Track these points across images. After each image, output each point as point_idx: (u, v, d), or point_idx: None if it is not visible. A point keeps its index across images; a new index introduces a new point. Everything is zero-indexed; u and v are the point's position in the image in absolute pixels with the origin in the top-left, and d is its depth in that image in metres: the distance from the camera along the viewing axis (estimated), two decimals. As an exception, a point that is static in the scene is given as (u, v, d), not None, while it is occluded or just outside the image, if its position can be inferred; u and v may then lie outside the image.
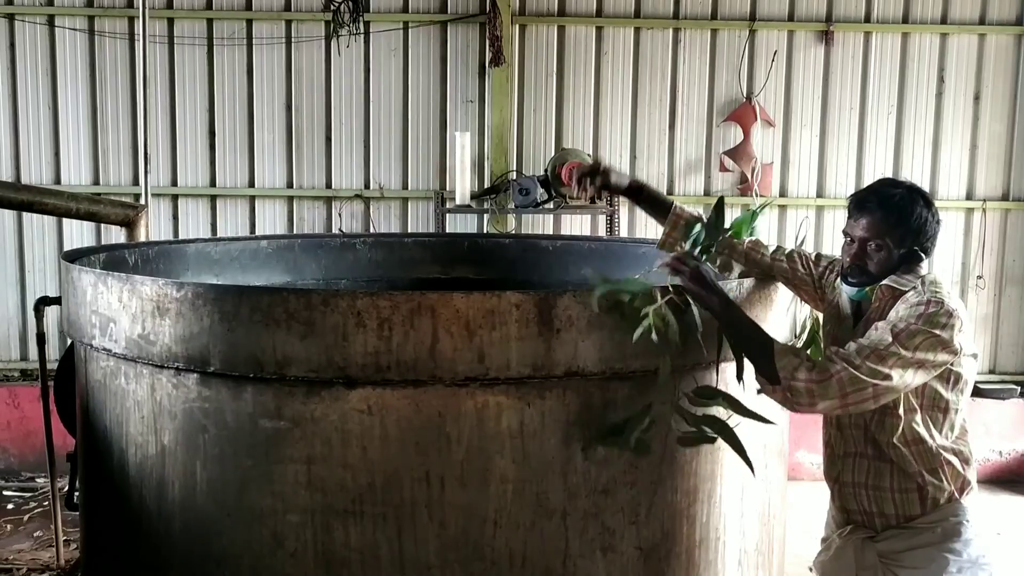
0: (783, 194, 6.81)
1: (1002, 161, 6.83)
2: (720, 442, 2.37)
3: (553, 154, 6.46)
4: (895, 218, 2.47)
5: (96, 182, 6.62)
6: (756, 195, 6.68)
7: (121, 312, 2.48)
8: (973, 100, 6.79)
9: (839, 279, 2.63)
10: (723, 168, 6.77)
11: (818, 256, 2.87)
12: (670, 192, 6.79)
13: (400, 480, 2.31)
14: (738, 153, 6.72)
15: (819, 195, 6.83)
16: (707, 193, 6.80)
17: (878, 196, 2.51)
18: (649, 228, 6.79)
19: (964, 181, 6.80)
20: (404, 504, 2.32)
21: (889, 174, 6.82)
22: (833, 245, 6.84)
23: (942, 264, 6.76)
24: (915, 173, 6.82)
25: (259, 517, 2.38)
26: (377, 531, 2.33)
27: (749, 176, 6.70)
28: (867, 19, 6.72)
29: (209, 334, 2.32)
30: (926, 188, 6.70)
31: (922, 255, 2.51)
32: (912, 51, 6.75)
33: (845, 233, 2.58)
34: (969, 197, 6.79)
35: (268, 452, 2.35)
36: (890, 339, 2.31)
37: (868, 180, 6.80)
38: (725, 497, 2.64)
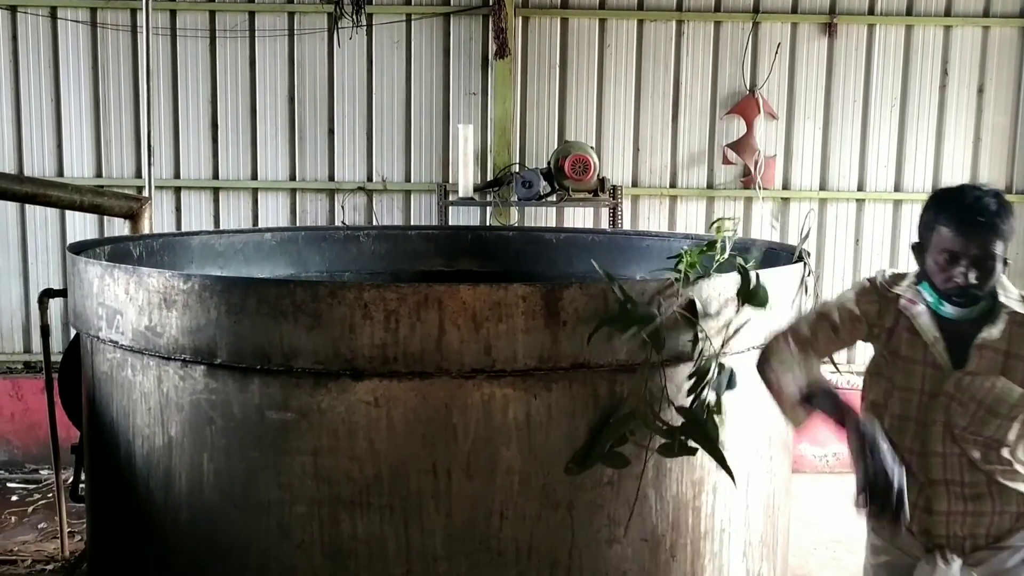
0: (786, 187, 6.81)
1: (1005, 154, 6.82)
2: (728, 436, 2.37)
3: (556, 147, 6.46)
4: (1006, 230, 2.32)
5: (99, 174, 6.62)
6: (759, 188, 6.68)
7: (128, 304, 2.48)
8: (977, 92, 6.78)
9: (918, 305, 2.43)
10: (726, 161, 6.76)
11: (861, 296, 2.55)
12: (673, 185, 6.79)
13: (407, 471, 2.32)
14: (741, 146, 6.71)
15: (822, 188, 6.82)
16: (710, 186, 6.80)
17: (986, 209, 2.31)
18: (652, 221, 6.80)
19: (967, 174, 6.79)
20: (411, 495, 2.32)
21: (892, 167, 6.83)
22: (835, 238, 6.84)
23: (945, 257, 6.75)
24: (918, 166, 6.82)
25: (266, 508, 2.38)
26: (384, 522, 2.34)
27: (752, 169, 6.70)
28: (871, 11, 6.71)
29: (216, 326, 2.33)
30: (929, 181, 6.81)
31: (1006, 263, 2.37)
32: (916, 43, 6.74)
33: (948, 251, 2.31)
34: (972, 190, 6.78)
35: (275, 444, 2.35)
36: None
37: (872, 173, 6.82)
38: (730, 489, 2.64)
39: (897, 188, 6.81)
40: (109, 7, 6.55)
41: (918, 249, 2.45)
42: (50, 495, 5.57)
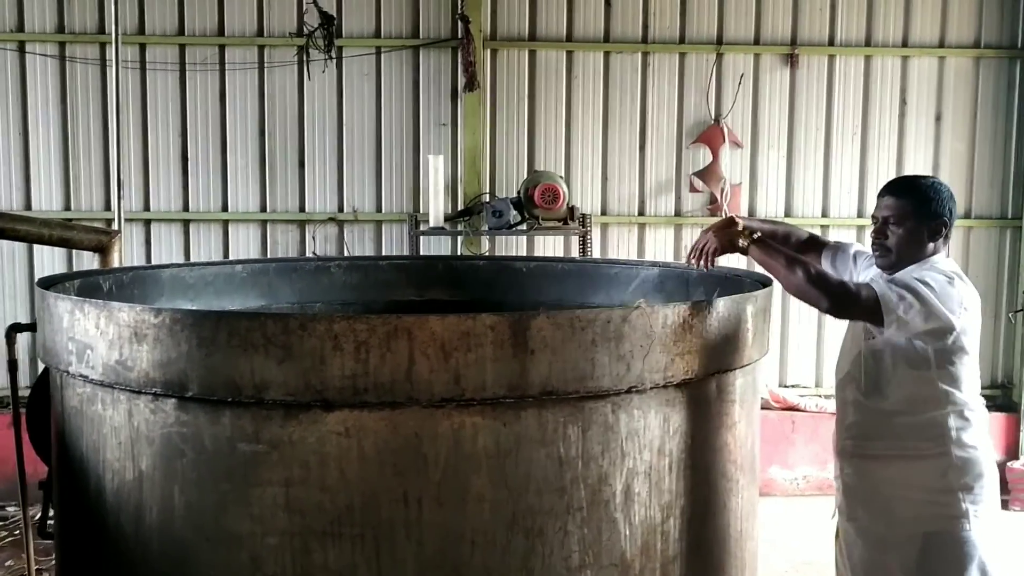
0: (752, 214, 6.92)
1: (964, 180, 6.98)
2: (696, 461, 2.41)
3: (526, 176, 6.53)
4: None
5: (67, 207, 6.60)
6: (725, 215, 6.78)
7: (98, 338, 2.49)
8: (935, 120, 6.95)
9: None
10: (693, 189, 6.87)
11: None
12: (641, 213, 6.88)
13: (378, 501, 2.33)
14: (707, 174, 6.83)
15: (787, 215, 6.94)
16: (678, 214, 6.90)
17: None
18: (621, 249, 6.88)
19: (928, 200, 6.93)
20: (382, 525, 2.34)
21: (855, 194, 6.97)
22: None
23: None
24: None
25: (237, 540, 2.38)
26: (355, 552, 2.35)
27: (719, 196, 6.81)
28: (831, 42, 6.87)
29: (187, 359, 2.34)
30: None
31: None
32: (875, 73, 6.91)
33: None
34: (933, 215, 6.92)
35: (246, 475, 2.36)
36: None
37: (835, 199, 6.95)
38: (699, 513, 2.68)
39: (860, 214, 6.95)
40: (78, 41, 6.56)
41: None
42: (17, 532, 5.49)
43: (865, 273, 3.11)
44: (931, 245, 2.93)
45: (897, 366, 2.87)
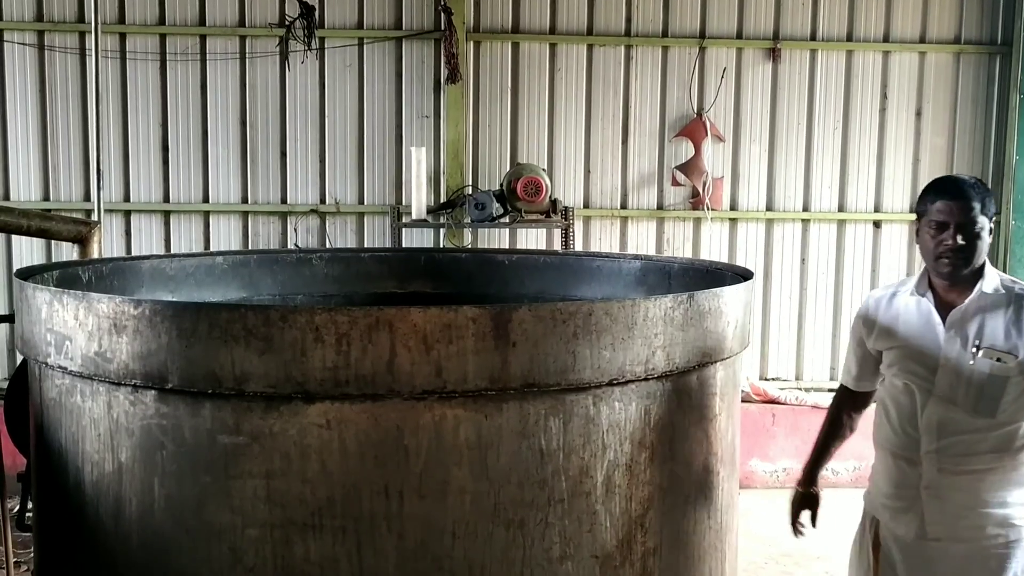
0: (733, 208, 6.95)
1: (943, 174, 7.01)
2: (676, 453, 2.42)
3: (508, 169, 6.53)
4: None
5: (46, 198, 6.54)
6: (708, 209, 6.81)
7: (77, 330, 2.47)
8: (915, 115, 7.00)
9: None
10: (675, 183, 6.89)
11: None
12: (624, 206, 6.89)
13: (359, 493, 2.33)
14: (689, 168, 6.85)
15: (769, 208, 6.98)
16: (660, 207, 6.92)
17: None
18: (604, 242, 6.89)
19: (908, 194, 7.00)
20: (363, 517, 2.33)
21: (836, 188, 7.01)
22: (782, 257, 6.98)
23: (887, 276, 6.94)
24: (861, 187, 7.01)
25: (218, 533, 2.37)
26: (336, 544, 2.34)
27: (700, 190, 6.83)
28: (813, 37, 6.91)
29: (167, 351, 2.33)
30: (871, 201, 7.00)
31: None
32: (856, 68, 6.94)
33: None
34: (912, 210, 6.97)
35: (227, 468, 2.35)
36: None
37: (816, 193, 6.99)
38: (679, 505, 2.70)
39: (841, 208, 6.99)
40: (57, 30, 6.50)
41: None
42: (-5, 525, 5.44)
43: (891, 313, 2.99)
44: None
45: (1018, 384, 2.80)
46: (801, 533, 3.24)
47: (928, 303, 2.91)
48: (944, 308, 2.89)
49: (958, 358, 2.83)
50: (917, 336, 2.90)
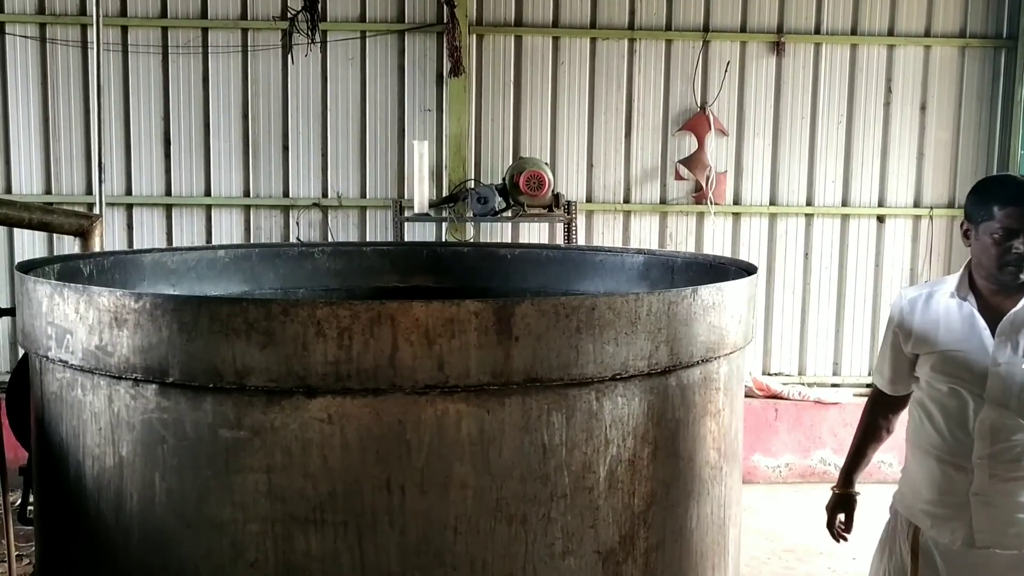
0: (737, 202, 6.93)
1: (948, 169, 7.01)
2: (679, 448, 2.41)
3: (511, 163, 6.51)
4: None
5: (48, 191, 6.54)
6: (711, 203, 6.79)
7: (78, 323, 2.46)
8: (920, 109, 6.98)
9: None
10: (678, 177, 6.87)
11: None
12: (626, 200, 6.88)
13: (361, 488, 2.32)
14: (693, 162, 6.83)
15: (772, 203, 6.96)
16: (663, 201, 6.90)
17: None
18: (606, 237, 6.88)
19: (912, 189, 6.97)
20: (365, 512, 2.32)
21: (840, 182, 6.99)
22: (785, 252, 6.97)
23: (891, 271, 6.92)
24: (865, 181, 6.98)
25: (219, 527, 2.37)
26: (338, 539, 2.33)
27: (704, 184, 6.81)
28: (817, 31, 6.88)
29: (168, 345, 2.32)
30: (875, 196, 6.98)
31: None
32: (861, 62, 6.92)
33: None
34: (917, 205, 6.96)
35: (228, 462, 2.34)
36: None
37: (820, 188, 6.97)
38: (682, 501, 2.69)
39: (844, 203, 6.97)
40: (59, 23, 6.49)
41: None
42: (-3, 518, 5.44)
43: (930, 316, 2.90)
44: None
45: None
46: (843, 538, 3.17)
47: (971, 307, 2.82)
48: (988, 312, 2.80)
49: (1009, 364, 2.75)
50: (961, 341, 2.82)
